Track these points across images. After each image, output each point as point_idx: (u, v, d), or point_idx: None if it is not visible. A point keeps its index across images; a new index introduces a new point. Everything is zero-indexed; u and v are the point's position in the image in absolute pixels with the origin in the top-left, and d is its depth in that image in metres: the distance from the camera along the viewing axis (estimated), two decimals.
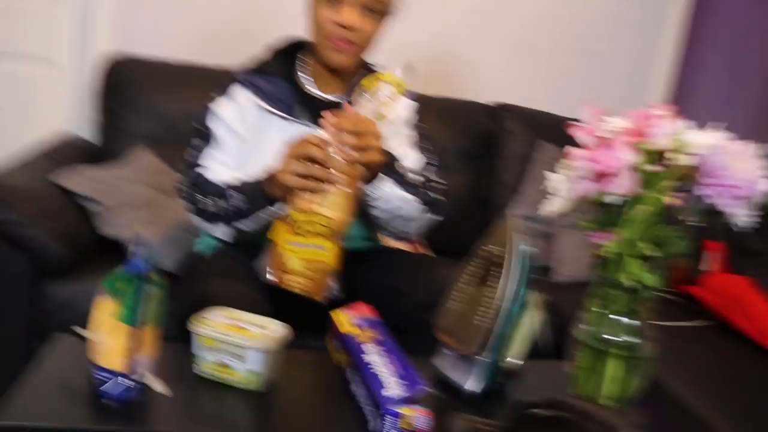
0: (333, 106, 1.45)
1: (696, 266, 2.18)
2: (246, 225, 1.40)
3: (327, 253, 1.25)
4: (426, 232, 1.57)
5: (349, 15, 1.39)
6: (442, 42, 2.64)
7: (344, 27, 1.40)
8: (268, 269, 1.28)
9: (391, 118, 1.32)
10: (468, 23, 2.67)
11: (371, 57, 1.55)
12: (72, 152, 2.19)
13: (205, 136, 1.48)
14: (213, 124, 1.48)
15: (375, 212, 1.43)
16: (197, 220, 1.47)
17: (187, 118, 2.19)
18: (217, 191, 1.41)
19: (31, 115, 2.47)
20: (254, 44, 2.41)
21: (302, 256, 1.25)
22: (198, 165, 1.47)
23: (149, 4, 2.45)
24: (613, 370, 1.07)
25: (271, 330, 1.05)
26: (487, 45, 2.71)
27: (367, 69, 1.55)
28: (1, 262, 1.63)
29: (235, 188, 1.39)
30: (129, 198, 1.90)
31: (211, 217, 1.43)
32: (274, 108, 1.47)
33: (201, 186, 1.44)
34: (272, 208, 1.36)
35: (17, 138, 2.36)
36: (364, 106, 1.30)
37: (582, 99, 2.74)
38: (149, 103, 2.23)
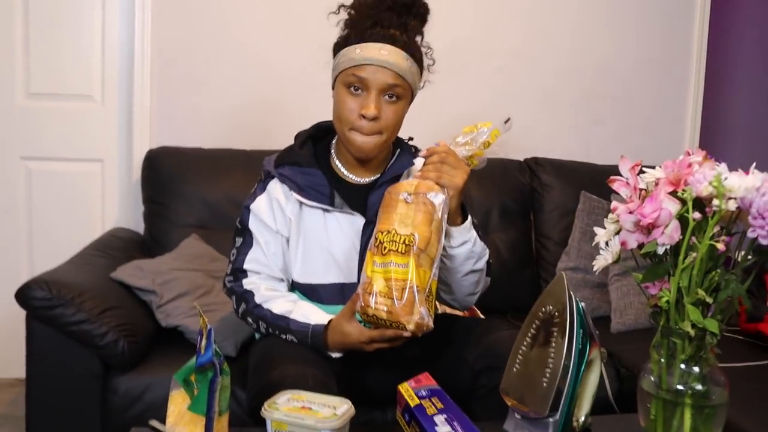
0: (370, 188, 1.47)
1: (762, 304, 2.14)
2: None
3: (409, 270, 1.23)
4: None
5: (373, 106, 1.38)
6: (470, 103, 2.70)
7: (368, 118, 1.39)
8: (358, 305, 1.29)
9: (479, 164, 1.36)
10: (494, 83, 2.74)
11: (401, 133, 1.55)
12: (125, 245, 2.27)
13: (247, 238, 1.49)
14: (254, 226, 1.48)
15: (453, 261, 1.41)
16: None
17: (230, 201, 2.29)
18: (271, 323, 1.43)
19: (85, 212, 2.60)
20: (283, 123, 2.53)
21: (386, 276, 1.24)
22: (244, 272, 1.48)
23: (183, 99, 2.57)
24: (689, 420, 1.06)
25: (339, 409, 1.08)
26: (516, 101, 2.76)
27: (401, 145, 1.56)
28: (71, 360, 1.69)
29: (291, 332, 1.40)
30: (187, 287, 1.96)
31: (259, 330, 1.48)
32: (313, 201, 1.46)
33: (252, 311, 1.45)
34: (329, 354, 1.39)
35: (74, 233, 2.49)
36: (457, 149, 1.34)
37: (615, 145, 2.79)
38: (192, 190, 2.32)
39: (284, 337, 1.42)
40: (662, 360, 1.08)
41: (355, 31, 1.42)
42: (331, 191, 1.47)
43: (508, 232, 2.44)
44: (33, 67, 2.52)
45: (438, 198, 1.29)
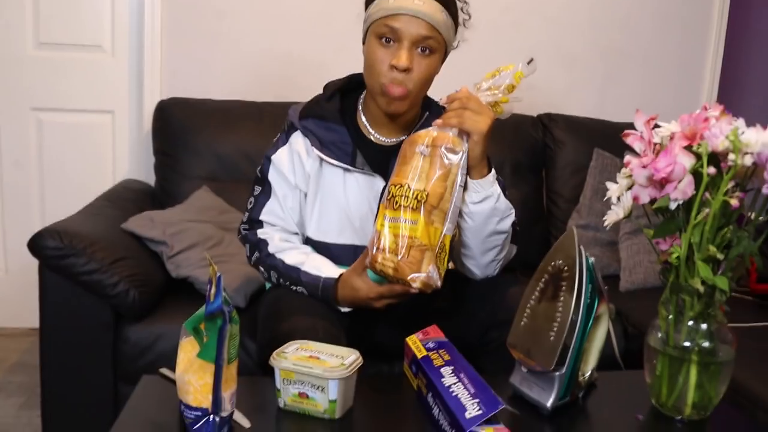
0: (394, 150, 1.40)
1: None
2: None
3: (418, 228, 1.22)
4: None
5: (405, 57, 1.34)
6: (484, 59, 2.66)
7: (399, 69, 1.35)
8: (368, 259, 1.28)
9: (504, 111, 1.32)
10: (511, 37, 2.69)
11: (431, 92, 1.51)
12: (136, 196, 2.29)
13: (266, 188, 1.49)
14: (273, 177, 1.48)
15: (474, 219, 1.36)
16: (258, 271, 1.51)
17: (242, 155, 2.29)
18: (283, 273, 1.43)
19: (96, 162, 2.60)
20: (297, 75, 2.52)
21: (395, 232, 1.23)
22: (259, 222, 1.49)
23: (194, 50, 2.55)
24: (695, 377, 1.07)
25: (347, 359, 1.09)
26: (522, 53, 2.70)
27: (430, 107, 1.52)
28: (83, 309, 1.71)
29: (302, 283, 1.40)
30: (196, 238, 1.96)
31: (270, 280, 1.48)
32: (334, 159, 1.44)
33: (264, 259, 1.46)
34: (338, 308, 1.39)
35: (85, 185, 2.50)
36: (480, 96, 1.30)
37: (632, 102, 2.75)
38: (203, 143, 2.31)
39: (295, 288, 1.43)
40: (670, 316, 1.08)
41: None
42: (353, 150, 1.45)
43: (520, 188, 2.43)
44: (43, 17, 2.50)
45: (456, 151, 1.27)
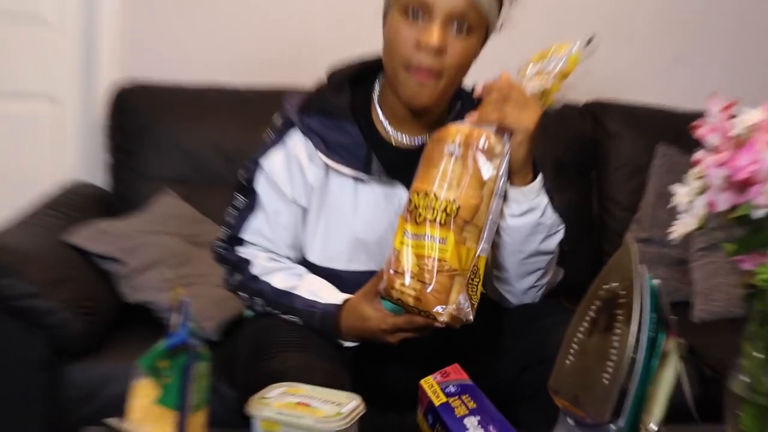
0: (419, 153, 1.37)
1: None
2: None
3: (447, 248, 1.22)
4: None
5: (437, 34, 1.32)
6: (519, 36, 2.66)
7: (429, 49, 1.33)
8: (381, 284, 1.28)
9: (554, 100, 1.31)
10: (546, 10, 2.68)
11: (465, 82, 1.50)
12: (84, 203, 2.30)
13: (252, 201, 1.47)
14: (262, 188, 1.47)
15: (513, 235, 1.36)
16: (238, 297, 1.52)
17: (219, 152, 2.30)
18: (271, 300, 1.43)
19: (34, 161, 2.61)
20: (290, 54, 2.52)
21: (417, 251, 1.23)
22: (241, 241, 1.48)
23: (160, 22, 2.57)
24: None
25: (345, 406, 1.08)
26: (575, 31, 2.70)
27: (461, 98, 1.51)
28: (10, 342, 1.71)
29: (295, 311, 1.41)
30: (158, 254, 1.97)
31: (253, 308, 1.48)
32: (344, 165, 1.43)
33: (246, 283, 1.46)
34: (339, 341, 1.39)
35: (19, 189, 2.49)
36: (525, 84, 1.29)
37: (707, 86, 2.73)
38: (170, 136, 2.33)
39: (286, 317, 1.43)
40: (759, 355, 1.07)
41: None
42: (368, 154, 1.44)
43: (564, 194, 2.42)
44: None
45: (495, 153, 1.26)
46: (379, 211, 1.46)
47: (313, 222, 1.49)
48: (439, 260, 1.22)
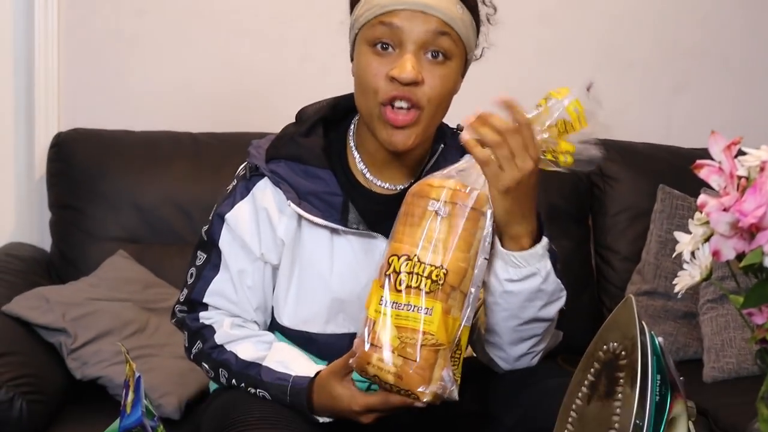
0: (400, 200, 1.35)
1: None
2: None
3: (433, 320, 1.19)
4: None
5: (410, 64, 1.32)
6: (507, 66, 2.70)
7: (403, 82, 1.33)
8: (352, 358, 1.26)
9: (573, 162, 1.27)
10: (535, 38, 2.74)
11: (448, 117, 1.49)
12: (24, 266, 2.29)
13: (214, 259, 1.47)
14: (226, 245, 1.46)
15: (509, 301, 1.34)
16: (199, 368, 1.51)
17: (174, 205, 2.30)
18: (236, 372, 1.42)
19: None
20: (248, 97, 2.54)
21: (398, 323, 1.21)
22: (203, 305, 1.47)
23: (105, 64, 2.58)
24: None
25: None
26: (563, 64, 2.76)
27: (444, 137, 1.51)
28: None
29: (264, 385, 1.39)
30: (109, 323, 1.96)
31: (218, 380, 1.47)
32: (318, 216, 1.42)
33: (209, 353, 1.45)
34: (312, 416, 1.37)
35: None
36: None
37: (709, 123, 2.77)
38: (118, 189, 2.32)
39: (253, 391, 1.41)
40: None
41: None
42: (344, 202, 1.44)
43: (559, 243, 2.39)
44: None
45: (483, 211, 1.25)
46: (358, 266, 1.45)
47: (285, 280, 1.48)
48: (424, 333, 1.20)
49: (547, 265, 1.34)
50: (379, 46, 1.36)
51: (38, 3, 2.51)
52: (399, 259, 1.24)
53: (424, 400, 1.20)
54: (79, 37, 2.56)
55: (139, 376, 1.00)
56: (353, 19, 1.42)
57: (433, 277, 1.21)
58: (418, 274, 1.21)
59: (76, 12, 2.55)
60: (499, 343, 1.42)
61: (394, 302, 1.22)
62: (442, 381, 1.21)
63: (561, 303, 1.39)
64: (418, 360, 1.19)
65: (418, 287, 1.21)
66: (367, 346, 1.22)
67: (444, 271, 1.21)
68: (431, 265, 1.21)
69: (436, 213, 1.23)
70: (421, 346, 1.19)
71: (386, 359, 1.21)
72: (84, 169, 2.35)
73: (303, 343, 1.48)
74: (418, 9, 1.34)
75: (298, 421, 1.36)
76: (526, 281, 1.33)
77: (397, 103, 1.35)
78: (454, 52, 1.38)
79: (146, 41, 2.59)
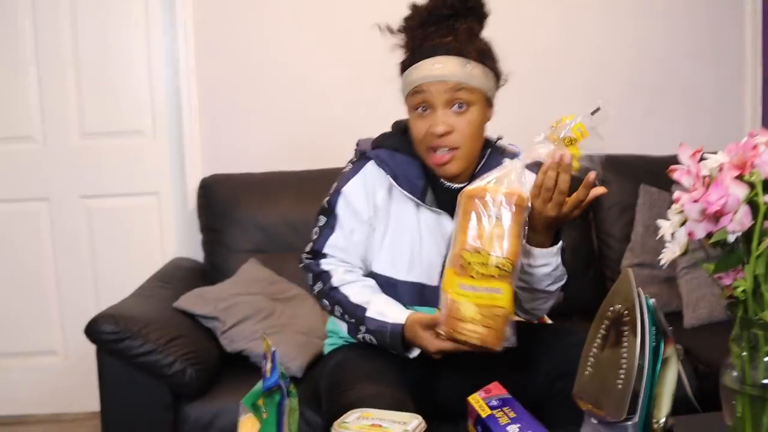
0: (458, 189, 1.36)
1: None
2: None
3: (503, 297, 1.19)
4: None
5: (442, 122, 1.35)
6: (513, 109, 2.67)
7: (437, 135, 1.36)
8: (438, 325, 1.25)
9: (577, 168, 1.25)
10: (532, 84, 2.69)
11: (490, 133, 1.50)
12: (185, 274, 2.32)
13: (332, 221, 1.46)
14: (341, 210, 1.45)
15: (529, 279, 1.37)
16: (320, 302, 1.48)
17: (286, 225, 2.31)
18: (348, 310, 1.41)
19: (144, 243, 2.67)
20: (331, 142, 2.55)
21: (477, 302, 1.19)
22: (323, 254, 1.46)
23: (230, 127, 2.61)
24: None
25: (410, 424, 1.06)
26: (557, 102, 2.72)
27: (492, 148, 1.50)
28: (142, 391, 1.73)
29: (367, 328, 1.39)
30: (247, 311, 1.98)
31: (333, 313, 1.45)
32: (408, 192, 1.43)
33: (328, 292, 1.43)
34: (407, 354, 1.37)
35: (134, 266, 2.56)
36: (542, 148, 1.24)
37: (673, 137, 2.71)
38: (247, 215, 2.35)
39: (361, 330, 1.40)
40: (744, 353, 1.04)
41: (408, 54, 1.41)
42: (425, 186, 1.44)
43: (568, 233, 2.34)
44: (87, 109, 2.61)
45: (524, 206, 1.23)
46: (431, 233, 1.45)
47: (380, 236, 1.47)
48: (499, 307, 1.19)
49: (558, 259, 1.35)
50: (419, 110, 1.39)
51: (183, 91, 2.57)
52: (470, 253, 1.21)
53: (497, 350, 1.21)
54: (212, 112, 2.60)
55: (275, 350, 1.00)
56: (401, 91, 1.44)
57: (499, 266, 1.19)
58: (487, 264, 1.19)
59: (209, 93, 2.59)
60: (519, 302, 1.42)
61: (471, 286, 1.20)
62: (508, 337, 1.23)
63: (562, 282, 1.41)
64: (496, 327, 1.20)
65: (489, 274, 1.19)
66: (454, 321, 1.21)
67: (506, 259, 1.20)
68: (497, 257, 1.19)
69: (494, 216, 1.21)
70: (496, 316, 1.19)
71: (472, 329, 1.20)
72: (222, 203, 2.38)
73: (388, 286, 1.46)
74: (437, 80, 1.35)
75: (390, 376, 1.35)
76: (542, 267, 1.34)
77: (438, 150, 1.38)
78: (473, 99, 1.38)
79: (258, 111, 2.62)
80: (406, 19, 1.41)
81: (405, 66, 1.41)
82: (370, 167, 1.46)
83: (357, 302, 1.41)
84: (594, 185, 1.26)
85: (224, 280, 2.20)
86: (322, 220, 1.48)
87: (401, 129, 1.49)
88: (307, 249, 1.50)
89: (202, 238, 2.44)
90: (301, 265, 1.51)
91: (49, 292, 2.66)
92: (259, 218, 2.35)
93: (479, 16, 1.42)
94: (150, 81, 2.62)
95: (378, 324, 1.38)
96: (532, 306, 1.45)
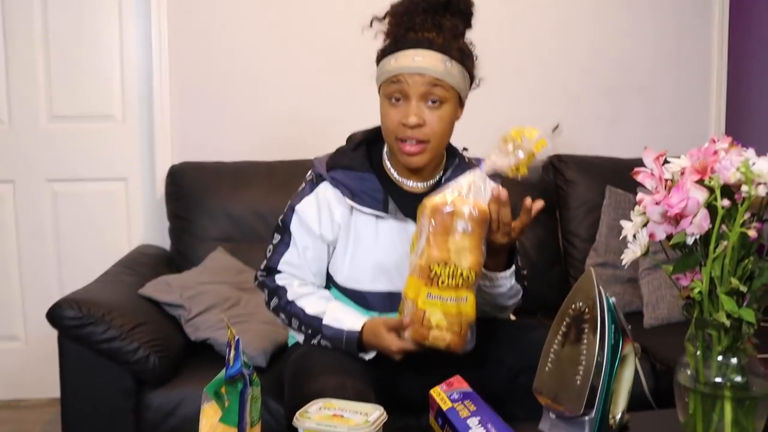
0: (423, 196, 1.39)
1: None
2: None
3: (468, 304, 1.25)
4: None
5: (415, 114, 1.36)
6: (492, 105, 2.69)
7: (410, 126, 1.37)
8: (405, 330, 1.28)
9: (524, 174, 1.30)
10: (512, 83, 2.72)
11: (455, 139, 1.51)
12: (152, 262, 2.30)
13: (286, 238, 1.48)
14: (295, 228, 1.47)
15: (487, 300, 1.44)
16: (278, 319, 1.52)
17: (255, 214, 2.30)
18: (304, 322, 1.44)
19: (111, 229, 2.63)
20: (304, 134, 2.55)
21: (444, 310, 1.24)
22: (277, 271, 1.48)
23: (202, 114, 2.59)
24: (730, 414, 1.04)
25: (371, 415, 1.07)
26: (534, 102, 2.75)
27: (454, 154, 1.52)
28: (104, 377, 1.71)
29: (324, 336, 1.41)
30: (213, 300, 1.97)
31: (290, 326, 1.49)
32: (366, 207, 1.44)
33: (284, 306, 1.46)
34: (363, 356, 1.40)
35: (100, 252, 2.53)
36: (499, 160, 1.28)
37: (640, 138, 2.76)
38: (216, 204, 2.33)
39: (317, 337, 1.43)
40: (698, 353, 1.07)
41: (390, 41, 1.41)
42: (385, 197, 1.45)
43: (535, 231, 2.42)
44: (55, 91, 2.56)
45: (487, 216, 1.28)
46: (394, 241, 1.46)
47: (342, 251, 1.48)
48: (464, 314, 1.25)
49: (512, 280, 1.43)
50: (393, 99, 1.39)
51: (155, 76, 2.54)
52: (439, 265, 1.25)
53: (461, 353, 1.27)
54: (184, 98, 2.58)
55: (238, 339, 1.00)
56: (376, 76, 1.44)
57: (464, 276, 1.24)
58: (454, 275, 1.24)
59: (181, 79, 2.56)
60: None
61: (439, 296, 1.25)
62: (470, 339, 1.27)
63: (519, 297, 1.49)
64: (461, 333, 1.26)
65: (456, 285, 1.24)
66: (421, 328, 1.26)
67: (471, 270, 1.25)
68: (462, 268, 1.24)
69: (464, 230, 1.25)
70: (462, 323, 1.25)
71: (439, 335, 1.26)
72: (191, 190, 2.36)
73: (357, 298, 1.49)
74: (416, 72, 1.35)
75: (354, 367, 1.37)
76: (497, 289, 1.42)
77: (408, 141, 1.39)
78: (447, 96, 1.38)
79: (231, 99, 2.60)
80: (394, 6, 1.42)
81: (385, 53, 1.41)
82: (325, 186, 1.47)
83: (313, 313, 1.43)
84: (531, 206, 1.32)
85: (191, 268, 2.19)
86: (277, 237, 1.50)
87: (355, 143, 1.49)
88: (262, 266, 1.52)
89: (169, 226, 2.42)
90: (256, 282, 1.53)
91: (12, 276, 2.62)
92: (227, 207, 2.33)
93: (466, 16, 1.43)
94: (121, 64, 2.58)
95: (334, 331, 1.40)
96: (493, 315, 1.50)
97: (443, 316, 1.24)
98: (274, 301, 1.48)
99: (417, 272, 1.26)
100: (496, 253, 1.34)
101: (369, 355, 1.40)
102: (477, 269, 1.25)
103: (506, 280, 1.41)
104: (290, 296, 1.46)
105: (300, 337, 1.49)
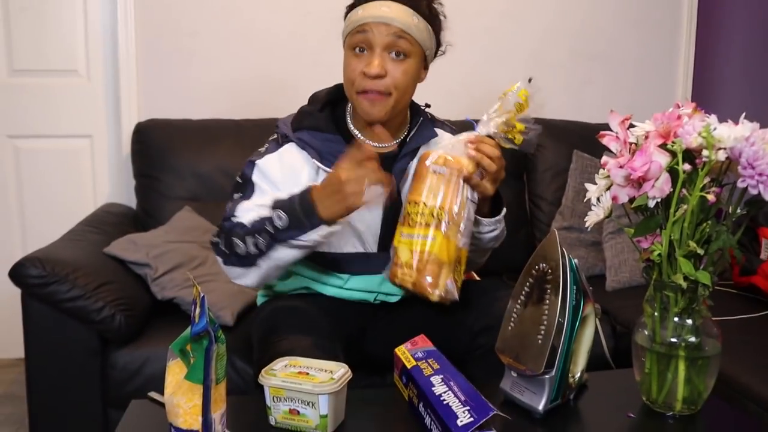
0: (392, 158, 1.42)
1: (755, 257, 2.15)
2: (287, 256, 1.30)
3: (435, 243, 1.24)
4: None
5: (378, 63, 1.33)
6: (460, 64, 2.68)
7: (371, 76, 1.34)
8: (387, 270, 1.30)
9: (524, 142, 1.31)
10: (482, 45, 2.71)
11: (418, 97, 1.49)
12: (117, 220, 2.28)
13: (248, 191, 1.39)
14: (257, 178, 1.39)
15: (477, 244, 1.43)
16: (234, 273, 1.35)
17: (223, 173, 2.28)
18: (255, 226, 1.29)
19: (76, 187, 2.59)
20: (272, 92, 2.52)
21: (411, 247, 1.25)
22: (233, 216, 1.36)
23: (170, 71, 2.55)
24: (683, 372, 1.08)
25: (336, 373, 1.09)
26: (504, 63, 2.75)
27: (418, 113, 1.50)
28: (69, 336, 1.70)
29: (279, 217, 1.26)
30: (179, 259, 1.96)
31: (249, 262, 1.31)
32: (332, 168, 1.33)
33: (235, 231, 1.31)
34: (316, 232, 1.26)
35: (65, 210, 2.50)
36: (491, 120, 1.28)
37: (608, 104, 2.77)
38: (183, 162, 2.31)
39: (267, 229, 1.27)
40: (656, 313, 1.10)
41: None
42: None
43: (504, 193, 2.41)
44: (15, 44, 2.49)
45: (464, 170, 1.28)
46: None
47: None
48: (429, 253, 1.24)
49: (502, 224, 1.45)
50: (356, 50, 1.36)
51: (121, 30, 2.48)
52: (410, 204, 1.28)
53: (432, 299, 1.26)
54: (150, 54, 2.52)
55: (204, 296, 0.99)
56: (342, 31, 1.41)
57: (433, 214, 1.25)
58: (422, 213, 1.26)
59: (147, 34, 2.51)
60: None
61: (407, 234, 1.27)
62: (446, 287, 1.25)
63: (503, 238, 1.50)
64: (429, 273, 1.24)
65: (423, 222, 1.26)
66: (394, 266, 1.28)
67: (441, 210, 1.26)
68: (431, 206, 1.26)
69: (435, 172, 1.28)
70: (427, 261, 1.24)
71: (407, 272, 1.26)
72: (157, 148, 2.33)
73: (333, 263, 1.46)
74: (382, 21, 1.33)
75: (323, 326, 1.36)
76: (488, 234, 1.43)
77: (369, 92, 1.37)
78: (412, 51, 1.37)
79: (199, 56, 2.56)
80: None
81: (353, 6, 1.39)
82: (290, 147, 1.42)
83: (258, 216, 1.31)
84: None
85: (157, 227, 2.17)
86: (236, 196, 1.40)
87: (320, 104, 1.45)
88: (218, 225, 1.40)
89: (135, 184, 2.39)
90: (211, 245, 1.39)
91: None
92: (195, 165, 2.31)
93: None
94: (85, 17, 2.51)
95: (283, 203, 1.28)
96: (473, 258, 1.47)
97: (410, 254, 1.25)
98: (220, 240, 1.34)
99: (400, 218, 1.30)
100: (484, 199, 1.36)
101: (333, 227, 1.27)
102: (449, 210, 1.25)
103: (498, 224, 1.43)
104: (234, 220, 1.35)
105: (250, 248, 1.30)
